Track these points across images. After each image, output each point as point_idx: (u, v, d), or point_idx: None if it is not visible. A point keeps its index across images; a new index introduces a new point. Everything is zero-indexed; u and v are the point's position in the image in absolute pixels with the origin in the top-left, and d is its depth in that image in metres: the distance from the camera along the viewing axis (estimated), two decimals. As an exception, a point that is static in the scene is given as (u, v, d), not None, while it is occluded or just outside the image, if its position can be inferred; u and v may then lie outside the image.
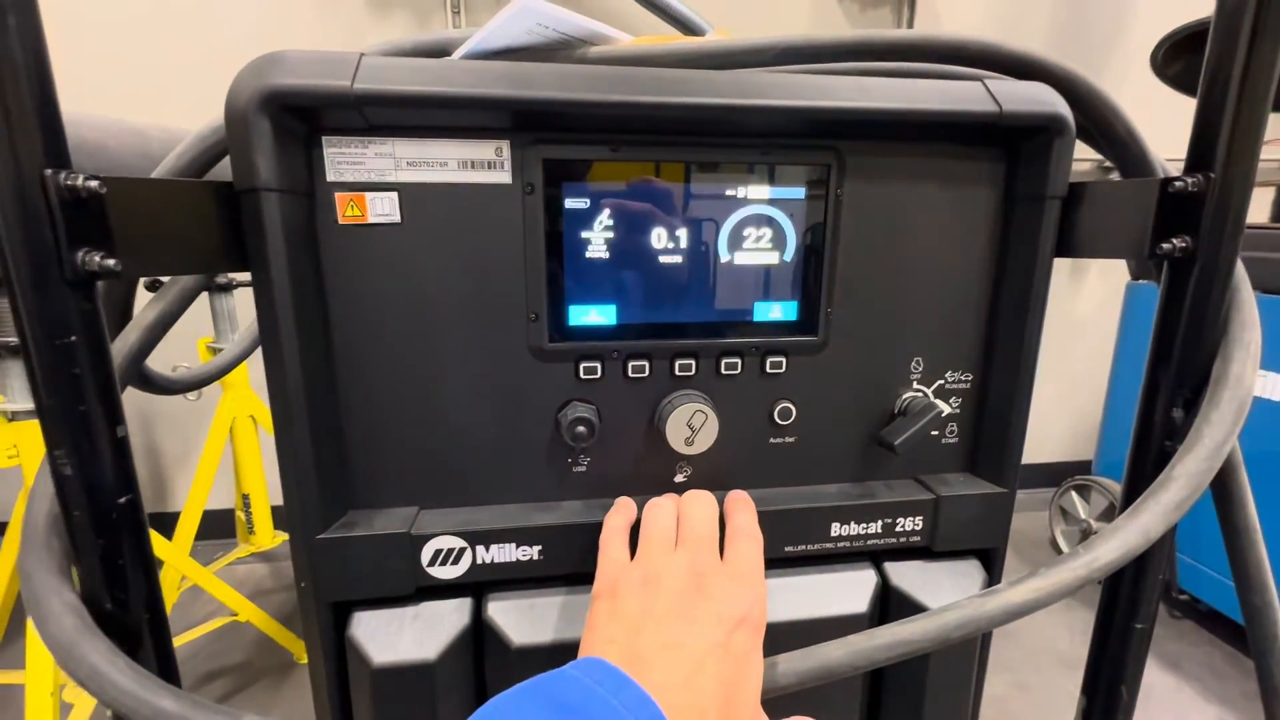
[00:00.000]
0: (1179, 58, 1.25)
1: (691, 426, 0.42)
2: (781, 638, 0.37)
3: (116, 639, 0.32)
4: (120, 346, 0.42)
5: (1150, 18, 2.00)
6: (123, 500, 0.33)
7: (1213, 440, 0.36)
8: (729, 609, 0.33)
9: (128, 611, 0.34)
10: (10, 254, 0.28)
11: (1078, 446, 2.49)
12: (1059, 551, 2.00)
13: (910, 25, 1.95)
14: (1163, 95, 1.42)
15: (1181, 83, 1.35)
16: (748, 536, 0.39)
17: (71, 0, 1.63)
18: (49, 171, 0.28)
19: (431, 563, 0.41)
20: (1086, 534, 1.89)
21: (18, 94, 0.27)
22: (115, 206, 0.30)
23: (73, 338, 0.30)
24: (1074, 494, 1.93)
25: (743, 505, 0.42)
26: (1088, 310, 2.35)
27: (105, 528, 0.33)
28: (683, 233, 0.41)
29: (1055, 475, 2.17)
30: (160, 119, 0.89)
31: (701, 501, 0.40)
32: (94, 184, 0.29)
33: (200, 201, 0.35)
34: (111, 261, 0.30)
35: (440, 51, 0.45)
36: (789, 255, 0.43)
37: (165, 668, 0.36)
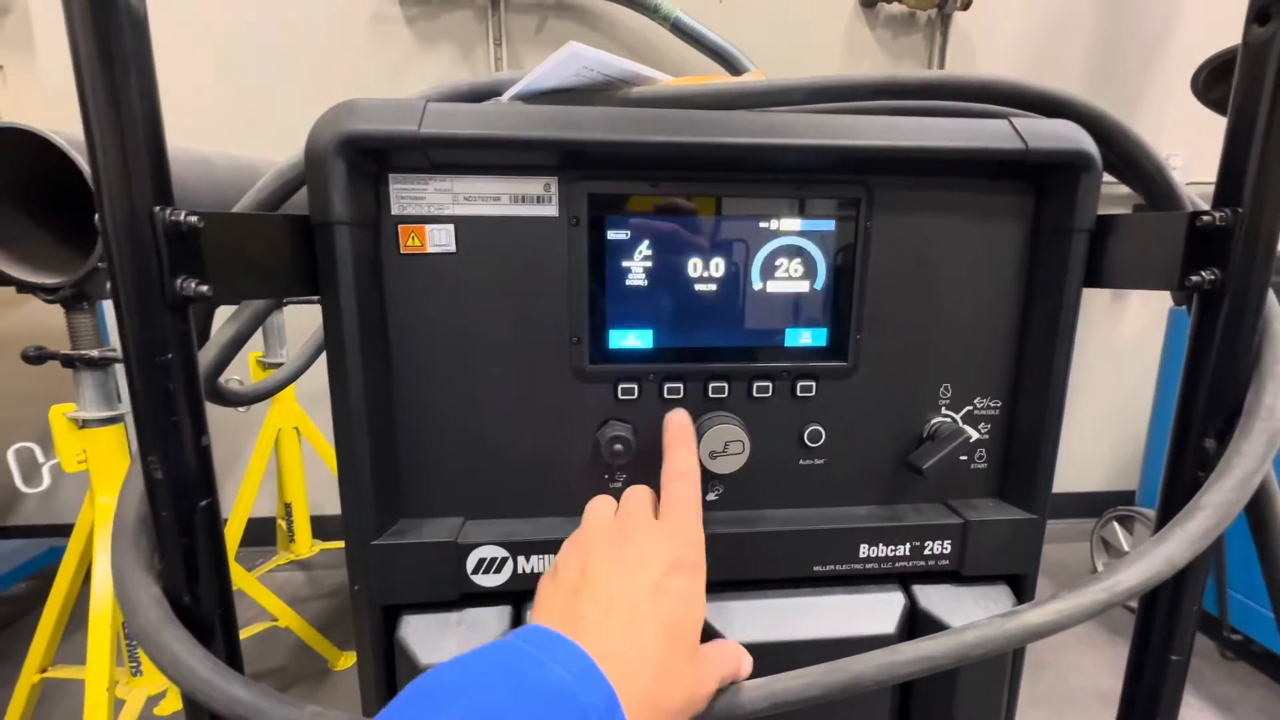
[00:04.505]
0: (1220, 81, 1.23)
1: (724, 447, 0.44)
2: (809, 656, 0.38)
3: (192, 631, 0.35)
4: (200, 362, 0.45)
5: (1192, 35, 1.97)
6: (204, 503, 0.36)
7: (1243, 470, 0.36)
8: (659, 553, 0.34)
9: (202, 606, 0.37)
10: (121, 280, 0.32)
11: (1121, 476, 2.41)
12: (1102, 585, 1.93)
13: (943, 51, 1.96)
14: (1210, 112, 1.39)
15: (1223, 107, 1.33)
16: (679, 475, 0.38)
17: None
18: (157, 209, 0.32)
19: (475, 571, 0.43)
20: (1131, 567, 1.82)
21: (135, 142, 0.31)
22: (209, 238, 0.34)
23: (169, 355, 0.33)
24: (1116, 525, 1.87)
25: (679, 438, 0.41)
26: (1130, 337, 2.29)
27: (187, 528, 0.36)
28: (717, 262, 0.44)
29: (1097, 505, 2.11)
30: (230, 145, 0.96)
31: (636, 490, 0.40)
32: (194, 219, 0.33)
33: (280, 233, 0.39)
34: (204, 287, 0.33)
35: (493, 92, 0.48)
36: (819, 284, 0.45)
37: (233, 660, 0.39)
